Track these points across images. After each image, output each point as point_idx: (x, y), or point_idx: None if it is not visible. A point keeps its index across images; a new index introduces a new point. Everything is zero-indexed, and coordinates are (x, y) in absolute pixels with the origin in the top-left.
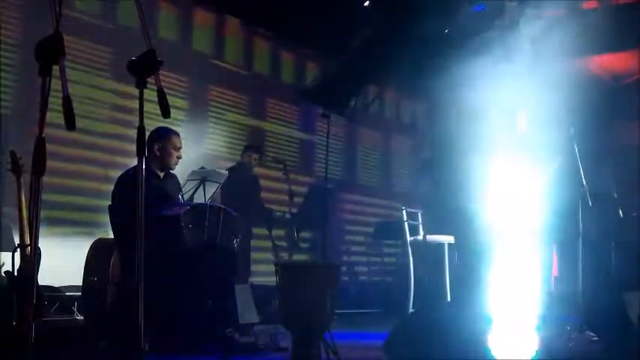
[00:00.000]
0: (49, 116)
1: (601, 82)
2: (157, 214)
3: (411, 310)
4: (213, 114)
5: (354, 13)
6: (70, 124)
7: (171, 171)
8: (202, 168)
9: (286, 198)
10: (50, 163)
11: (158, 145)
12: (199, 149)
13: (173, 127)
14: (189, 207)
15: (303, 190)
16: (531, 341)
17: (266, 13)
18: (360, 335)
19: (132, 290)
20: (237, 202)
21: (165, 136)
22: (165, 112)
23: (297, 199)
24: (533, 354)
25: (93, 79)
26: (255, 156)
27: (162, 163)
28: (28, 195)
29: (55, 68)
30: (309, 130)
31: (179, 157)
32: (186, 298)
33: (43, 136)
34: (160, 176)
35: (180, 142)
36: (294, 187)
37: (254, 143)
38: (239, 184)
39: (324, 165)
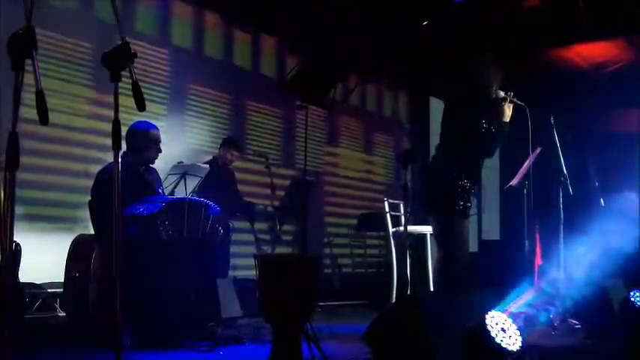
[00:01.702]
0: (28, 112)
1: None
2: (132, 213)
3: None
4: (194, 108)
5: (332, 6)
6: (43, 118)
7: (151, 165)
8: (180, 162)
9: (268, 191)
10: (30, 160)
11: (137, 140)
12: (180, 143)
13: (153, 122)
14: (164, 204)
15: (286, 182)
16: (516, 330)
17: (245, 7)
18: (343, 327)
19: (112, 286)
20: (212, 195)
21: (144, 130)
22: (141, 106)
23: (279, 192)
24: (517, 342)
25: (70, 73)
26: (236, 153)
27: (141, 158)
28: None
29: (29, 62)
30: (290, 123)
31: (159, 151)
32: (167, 294)
33: (17, 131)
34: (140, 170)
35: (160, 136)
36: (276, 180)
37: (233, 138)
38: (215, 178)
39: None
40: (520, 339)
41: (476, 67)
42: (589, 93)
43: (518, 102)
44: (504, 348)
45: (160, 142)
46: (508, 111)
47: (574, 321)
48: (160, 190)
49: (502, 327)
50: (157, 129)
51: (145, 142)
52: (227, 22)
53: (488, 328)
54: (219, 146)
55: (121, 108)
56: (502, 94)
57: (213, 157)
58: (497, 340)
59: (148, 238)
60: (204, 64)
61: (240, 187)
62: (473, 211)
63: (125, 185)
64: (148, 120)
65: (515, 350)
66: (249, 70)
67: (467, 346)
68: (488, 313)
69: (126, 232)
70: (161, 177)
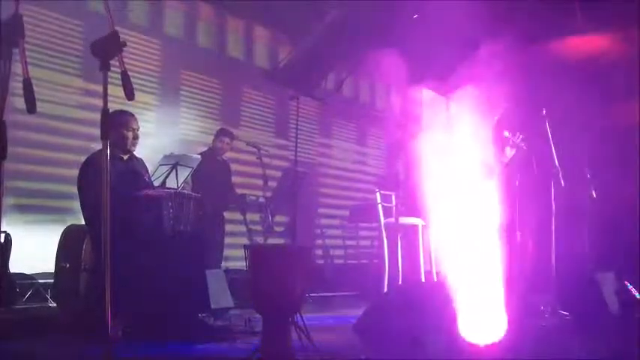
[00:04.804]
0: (17, 101)
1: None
2: (142, 194)
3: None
4: (186, 98)
5: None
6: (30, 106)
7: (136, 154)
8: (171, 153)
9: (260, 182)
10: (20, 150)
11: (113, 129)
12: (172, 134)
13: (144, 112)
14: (173, 192)
15: (278, 174)
16: (503, 321)
17: None
18: (335, 318)
19: (102, 277)
20: (208, 187)
21: (117, 118)
22: (130, 95)
23: (271, 183)
24: (504, 333)
25: (60, 62)
26: (228, 140)
27: (120, 146)
28: None
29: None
30: (283, 114)
31: (135, 138)
32: (158, 284)
33: (4, 120)
34: (123, 159)
35: (136, 123)
36: (268, 171)
37: (226, 127)
38: (211, 170)
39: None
40: (504, 330)
41: None
42: (583, 86)
43: (524, 147)
44: (479, 340)
45: (131, 127)
46: (509, 152)
47: (564, 312)
48: (147, 179)
49: (482, 318)
50: (132, 115)
51: (118, 130)
52: (220, 11)
53: (465, 320)
54: (213, 138)
55: (110, 98)
56: (507, 134)
57: (208, 149)
58: (473, 332)
59: (150, 221)
60: (196, 55)
61: (233, 178)
62: None
63: (112, 174)
64: (140, 110)
65: (495, 342)
66: (242, 61)
67: (444, 337)
68: (470, 305)
69: (125, 215)
70: (152, 167)
